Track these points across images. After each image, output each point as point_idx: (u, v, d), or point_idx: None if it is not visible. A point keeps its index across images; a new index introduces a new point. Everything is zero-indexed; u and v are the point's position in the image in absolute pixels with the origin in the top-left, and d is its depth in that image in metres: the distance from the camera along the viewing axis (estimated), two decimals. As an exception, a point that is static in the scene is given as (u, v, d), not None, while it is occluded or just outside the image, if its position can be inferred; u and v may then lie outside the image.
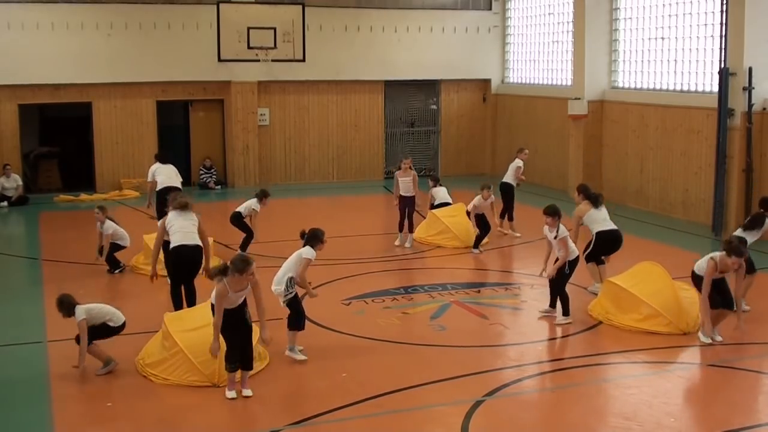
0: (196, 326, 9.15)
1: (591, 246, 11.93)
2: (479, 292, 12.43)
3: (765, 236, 11.23)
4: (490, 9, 24.11)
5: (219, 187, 22.20)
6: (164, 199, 14.37)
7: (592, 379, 9.22)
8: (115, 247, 13.46)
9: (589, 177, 20.04)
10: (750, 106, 15.31)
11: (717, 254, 9.87)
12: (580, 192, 12.50)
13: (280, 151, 22.93)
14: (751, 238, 10.84)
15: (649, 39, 18.79)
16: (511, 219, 16.17)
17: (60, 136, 23.38)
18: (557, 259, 10.77)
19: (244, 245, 14.29)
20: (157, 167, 14.90)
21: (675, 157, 17.75)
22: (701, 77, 17.33)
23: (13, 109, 20.84)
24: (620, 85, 19.83)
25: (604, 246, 11.95)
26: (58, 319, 9.23)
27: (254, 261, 8.46)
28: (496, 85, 24.42)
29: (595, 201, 12.19)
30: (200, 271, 10.54)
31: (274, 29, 20.98)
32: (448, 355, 9.80)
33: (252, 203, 14.25)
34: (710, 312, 9.89)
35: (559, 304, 10.88)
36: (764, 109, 15.44)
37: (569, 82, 21.04)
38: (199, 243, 10.57)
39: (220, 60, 20.92)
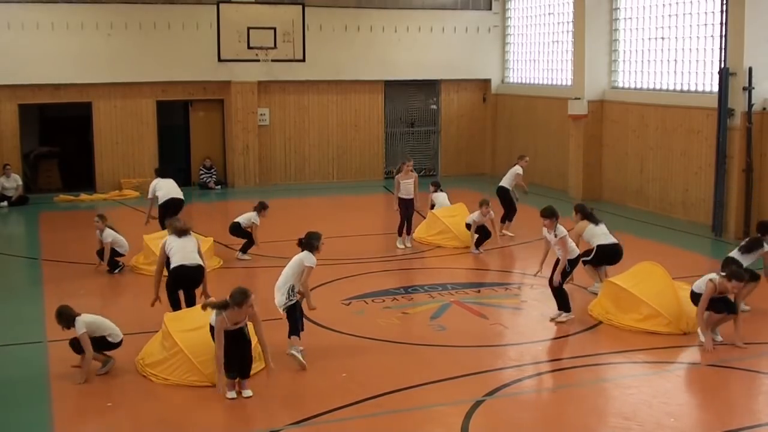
0: (196, 326, 9.15)
1: (591, 256, 11.98)
2: (479, 292, 12.43)
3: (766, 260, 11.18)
4: (490, 9, 24.11)
5: (219, 187, 22.20)
6: (167, 211, 14.55)
7: (592, 379, 9.22)
8: (115, 252, 13.47)
9: (589, 177, 20.08)
10: (750, 106, 15.31)
11: (716, 277, 9.86)
12: (577, 212, 12.63)
13: (280, 151, 22.93)
14: (746, 261, 10.82)
15: (649, 39, 18.78)
16: (510, 220, 16.15)
17: (60, 136, 23.37)
18: (557, 262, 10.77)
19: (244, 248, 14.30)
20: (157, 182, 15.02)
21: (675, 157, 17.75)
22: (701, 77, 17.33)
23: (13, 109, 20.84)
24: (620, 85, 19.83)
25: (604, 258, 12.03)
26: (57, 319, 9.23)
27: (253, 294, 8.43)
28: (496, 85, 24.42)
29: (593, 218, 12.27)
30: (200, 294, 10.51)
31: (274, 29, 20.98)
32: (448, 355, 9.80)
33: (251, 216, 14.24)
34: (713, 317, 9.87)
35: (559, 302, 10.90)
36: (764, 109, 15.43)
37: (569, 82, 21.03)
38: (201, 263, 10.53)
39: (220, 60, 20.92)
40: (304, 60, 21.31)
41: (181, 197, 15.08)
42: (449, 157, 24.47)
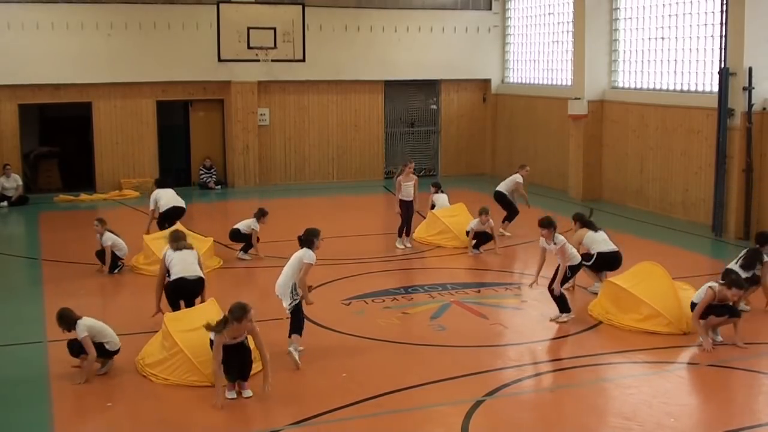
0: (196, 326, 9.12)
1: (591, 262, 12.00)
2: (479, 292, 12.43)
3: (764, 276, 11.13)
4: (490, 9, 24.11)
5: (219, 187, 22.20)
6: (168, 219, 14.62)
7: (592, 379, 9.22)
8: (114, 254, 13.46)
9: (589, 177, 20.07)
10: (750, 106, 15.30)
11: (716, 285, 9.86)
12: (576, 221, 12.69)
13: (280, 151, 22.93)
14: (744, 274, 10.80)
15: (649, 39, 18.78)
16: (510, 221, 16.13)
17: (60, 136, 23.37)
18: (557, 269, 10.78)
19: (245, 247, 14.31)
20: (157, 193, 15.08)
21: (675, 157, 17.74)
22: (701, 77, 17.33)
23: (13, 109, 20.84)
24: (620, 85, 19.82)
25: (604, 265, 12.06)
26: (57, 319, 9.23)
27: (252, 308, 8.42)
28: (496, 85, 24.42)
29: (592, 226, 12.32)
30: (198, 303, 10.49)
31: (274, 29, 20.98)
32: (448, 355, 9.79)
33: (251, 222, 14.24)
34: (714, 319, 9.87)
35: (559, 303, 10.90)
36: (764, 109, 15.43)
37: (569, 82, 21.03)
38: (201, 275, 10.50)
39: (220, 60, 20.91)
40: (304, 60, 21.31)
41: (183, 206, 15.13)
42: (449, 157, 24.47)
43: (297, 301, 9.44)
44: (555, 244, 10.70)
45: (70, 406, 8.50)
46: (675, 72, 18.03)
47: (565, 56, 21.56)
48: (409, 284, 12.85)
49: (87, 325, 8.98)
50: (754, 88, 15.23)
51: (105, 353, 9.12)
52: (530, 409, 8.47)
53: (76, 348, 8.99)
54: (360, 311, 11.40)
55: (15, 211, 19.49)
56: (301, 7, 21.21)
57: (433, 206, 16.21)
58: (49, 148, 23.03)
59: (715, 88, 16.08)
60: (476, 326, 10.84)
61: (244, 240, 14.25)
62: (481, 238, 14.71)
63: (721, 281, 9.95)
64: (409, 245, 15.09)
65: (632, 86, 19.41)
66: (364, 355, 9.81)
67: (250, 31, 20.77)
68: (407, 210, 14.94)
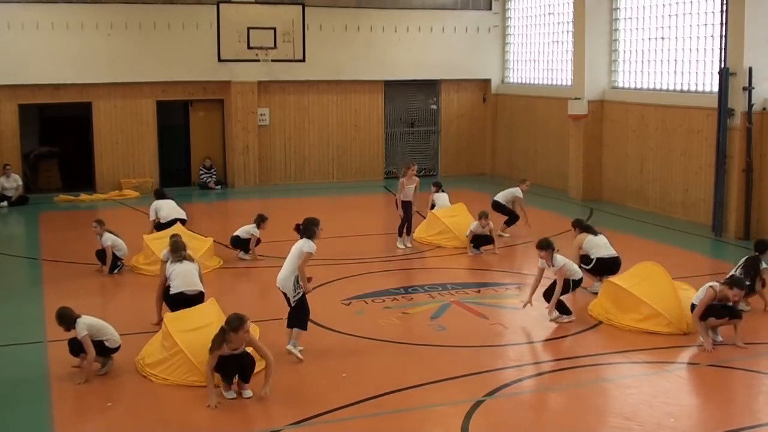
0: (196, 326, 9.16)
1: (590, 266, 12.04)
2: (479, 292, 12.43)
3: (758, 288, 11.12)
4: (490, 9, 24.11)
5: (219, 187, 22.19)
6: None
7: (592, 379, 9.21)
8: (114, 255, 13.46)
9: (589, 177, 20.07)
10: (750, 106, 15.30)
11: (717, 284, 9.87)
12: (575, 227, 12.74)
13: (280, 151, 22.92)
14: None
15: (649, 39, 18.78)
16: (509, 225, 16.11)
17: (60, 136, 23.38)
18: (553, 284, 10.82)
19: (246, 248, 14.31)
20: (157, 204, 15.02)
21: (675, 157, 17.74)
22: (701, 77, 17.32)
23: (13, 109, 20.84)
24: (620, 85, 19.82)
25: (603, 270, 12.08)
26: (58, 318, 9.22)
27: (249, 318, 8.43)
28: (496, 85, 24.42)
29: (591, 230, 12.39)
30: None
31: (274, 29, 20.98)
32: (448, 355, 9.80)
33: (250, 228, 14.25)
34: (714, 321, 9.87)
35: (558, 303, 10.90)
36: (764, 109, 15.43)
37: (569, 82, 21.03)
38: (201, 289, 10.48)
39: (220, 60, 20.92)
40: (304, 60, 21.31)
41: (185, 217, 15.10)
42: (449, 157, 24.47)
43: (300, 294, 9.44)
44: (554, 265, 10.73)
45: (70, 406, 8.50)
46: (675, 72, 18.03)
47: (565, 56, 21.56)
48: (409, 284, 12.85)
49: (87, 323, 8.98)
50: (754, 88, 15.23)
51: (105, 351, 9.12)
52: (530, 409, 8.47)
53: (76, 347, 8.99)
54: (360, 311, 11.40)
55: (15, 211, 19.49)
56: (301, 7, 21.21)
57: (432, 206, 16.21)
58: (49, 148, 23.04)
59: (715, 88, 16.08)
60: (476, 326, 10.84)
61: (246, 244, 14.27)
62: (481, 240, 14.71)
63: (722, 282, 9.95)
64: (409, 245, 15.09)
65: (632, 86, 19.41)
66: (364, 355, 9.81)
67: (250, 31, 20.77)
68: (407, 210, 14.96)
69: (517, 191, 15.97)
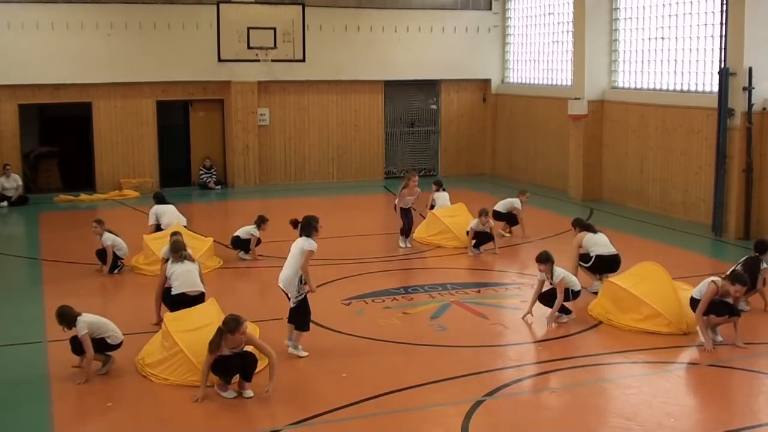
0: (196, 326, 9.16)
1: (590, 264, 12.05)
2: (479, 292, 12.43)
3: (759, 285, 11.12)
4: (490, 9, 24.11)
5: (219, 187, 22.19)
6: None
7: (592, 379, 9.21)
8: (114, 254, 13.46)
9: (589, 177, 20.07)
10: (750, 106, 15.30)
11: (719, 279, 9.87)
12: (575, 226, 12.74)
13: (280, 151, 22.93)
14: None
15: (649, 39, 18.78)
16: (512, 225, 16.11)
17: (60, 136, 23.38)
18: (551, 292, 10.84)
19: (246, 248, 14.31)
20: (157, 209, 14.95)
21: (675, 157, 17.74)
22: (701, 77, 17.32)
23: (13, 109, 20.84)
24: (620, 85, 19.82)
25: (603, 267, 12.10)
26: (58, 318, 9.22)
27: (246, 320, 8.45)
28: (496, 85, 24.42)
29: (591, 228, 12.41)
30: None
31: (274, 29, 20.98)
32: (448, 355, 9.79)
33: (250, 229, 14.24)
34: (714, 319, 9.87)
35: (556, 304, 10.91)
36: (764, 109, 15.43)
37: (569, 82, 21.03)
38: (202, 289, 10.48)
39: (220, 60, 20.92)
40: (304, 60, 21.31)
41: (185, 223, 15.07)
42: (449, 157, 24.47)
43: (303, 295, 9.44)
44: (554, 278, 10.73)
45: (70, 406, 8.50)
46: (675, 72, 18.03)
47: (565, 56, 21.56)
48: (409, 284, 12.85)
49: (87, 321, 8.98)
50: (754, 88, 15.23)
51: (107, 347, 9.11)
52: (530, 409, 8.47)
53: (78, 346, 8.98)
54: (360, 311, 11.40)
55: (15, 211, 19.49)
56: (301, 7, 21.21)
57: (432, 206, 16.21)
58: (49, 148, 23.04)
59: (715, 88, 16.08)
60: (476, 326, 10.84)
61: (246, 245, 14.27)
62: (482, 237, 14.71)
63: (723, 277, 9.95)
64: (409, 245, 15.10)
65: (632, 86, 19.41)
66: (364, 355, 9.80)
67: (250, 31, 20.78)
68: (407, 215, 15.00)
69: (516, 202, 15.91)
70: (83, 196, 20.65)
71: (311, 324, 9.84)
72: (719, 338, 9.99)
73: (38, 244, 16.22)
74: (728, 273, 10.36)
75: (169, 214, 14.91)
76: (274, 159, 22.85)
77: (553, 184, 21.53)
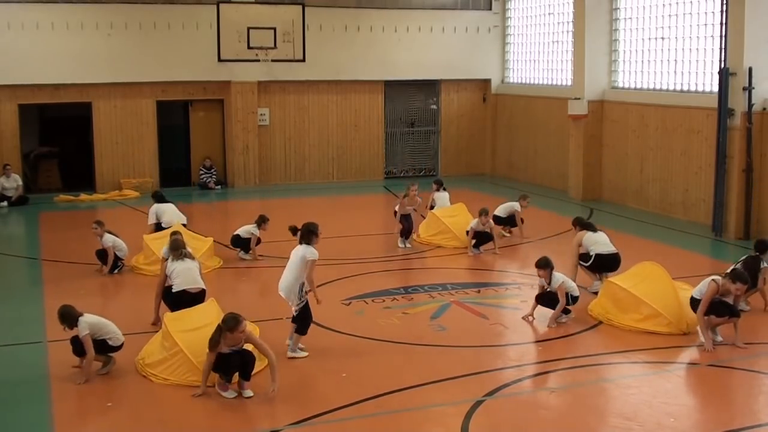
0: (196, 326, 9.16)
1: (589, 263, 12.06)
2: (479, 292, 12.43)
3: (760, 284, 11.13)
4: (490, 9, 24.11)
5: (219, 187, 22.19)
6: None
7: (592, 379, 9.21)
8: (115, 255, 13.46)
9: (589, 177, 20.07)
10: (750, 106, 15.30)
11: (719, 278, 9.87)
12: (575, 225, 12.76)
13: (280, 151, 22.93)
14: None
15: (649, 39, 18.78)
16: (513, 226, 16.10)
17: (60, 136, 23.39)
18: (548, 294, 10.85)
19: (246, 248, 14.31)
20: (158, 208, 14.97)
21: (675, 157, 17.74)
22: (701, 77, 17.33)
23: (13, 109, 20.84)
24: (620, 85, 19.82)
25: (602, 266, 12.11)
26: (58, 319, 9.21)
27: (245, 319, 8.46)
28: (496, 85, 24.42)
29: (591, 227, 12.42)
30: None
31: (274, 29, 20.98)
32: (448, 355, 9.79)
33: (251, 228, 14.25)
34: (715, 320, 9.88)
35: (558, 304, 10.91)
36: (764, 109, 15.43)
37: (569, 82, 21.03)
38: (203, 287, 10.48)
39: (220, 60, 20.92)
40: (304, 60, 21.31)
41: (185, 222, 15.09)
42: (449, 157, 24.47)
43: (304, 303, 9.45)
44: (552, 284, 10.74)
45: (70, 406, 8.50)
46: (675, 72, 18.03)
47: (565, 56, 21.56)
48: (409, 284, 12.85)
49: (89, 322, 8.97)
50: (754, 88, 15.23)
51: (108, 349, 9.11)
52: (530, 409, 8.46)
53: (79, 346, 8.97)
54: (360, 311, 11.40)
55: (15, 211, 19.49)
56: (301, 7, 21.21)
57: (432, 206, 16.22)
58: (49, 148, 23.05)
59: (715, 88, 16.08)
60: (476, 326, 10.84)
61: (246, 244, 14.27)
62: (482, 237, 14.71)
63: (723, 275, 9.95)
64: (409, 245, 15.10)
65: (632, 86, 19.41)
66: (364, 355, 9.80)
67: (250, 31, 20.78)
68: (407, 219, 15.03)
69: (516, 206, 15.88)
70: (83, 196, 20.66)
71: (313, 324, 9.83)
72: (719, 338, 9.99)
73: (38, 244, 16.22)
74: (728, 272, 10.35)
75: (170, 213, 14.94)
76: (274, 159, 22.85)
77: (553, 184, 21.53)
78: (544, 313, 10.97)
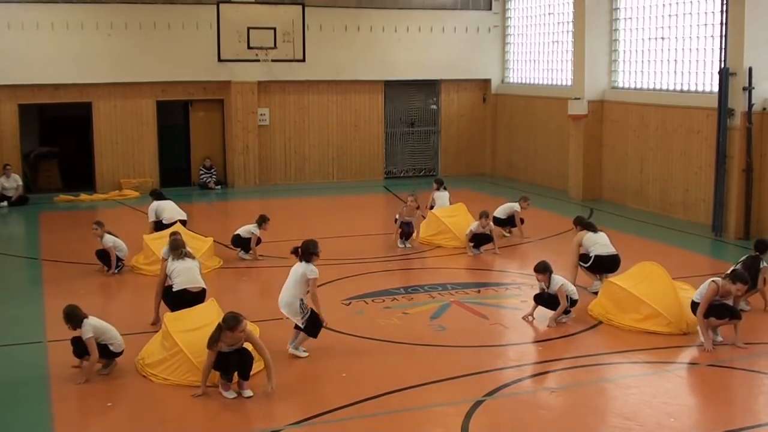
0: (196, 326, 9.16)
1: (589, 264, 12.07)
2: (479, 292, 12.43)
3: (760, 284, 11.13)
4: (490, 9, 24.11)
5: (219, 187, 22.19)
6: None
7: (592, 379, 9.21)
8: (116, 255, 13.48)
9: (589, 177, 20.07)
10: (750, 106, 15.30)
11: (719, 279, 9.86)
12: (576, 224, 12.78)
13: (280, 151, 22.93)
14: None
15: (649, 39, 18.78)
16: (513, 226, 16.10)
17: (60, 136, 23.39)
18: (547, 295, 10.85)
19: (246, 248, 14.31)
20: (158, 205, 14.96)
21: (675, 157, 17.74)
22: (701, 77, 17.32)
23: (13, 109, 20.84)
24: (620, 85, 19.82)
25: (602, 267, 12.11)
26: (58, 319, 9.21)
27: (245, 318, 8.47)
28: (496, 85, 24.42)
29: (591, 227, 12.41)
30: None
31: (274, 29, 20.98)
32: (448, 355, 9.79)
33: (251, 228, 14.25)
34: (715, 321, 9.88)
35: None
36: (764, 109, 15.43)
37: (569, 82, 21.03)
38: (204, 285, 10.49)
39: (220, 60, 20.92)
40: (304, 60, 21.31)
41: (185, 218, 15.10)
42: (449, 157, 24.47)
43: (308, 313, 9.46)
44: (552, 287, 10.74)
45: (70, 406, 8.49)
46: (675, 72, 18.03)
47: (565, 56, 21.56)
48: (409, 284, 12.84)
49: (93, 325, 8.97)
50: (754, 88, 15.23)
51: (109, 355, 9.11)
52: (530, 409, 8.46)
53: (81, 348, 8.96)
54: (360, 311, 11.41)
55: (15, 211, 19.49)
56: (301, 7, 21.21)
57: (431, 206, 16.22)
58: (49, 148, 23.05)
59: (715, 88, 16.08)
60: (476, 326, 10.84)
61: (246, 243, 14.27)
62: (482, 238, 14.71)
63: (724, 276, 9.95)
64: (409, 245, 15.10)
65: (632, 86, 19.41)
66: (364, 355, 9.80)
67: (250, 31, 20.77)
68: (408, 226, 15.03)
69: (516, 206, 15.87)
70: (83, 196, 20.66)
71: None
72: (719, 338, 9.99)
73: (38, 244, 16.22)
74: (728, 272, 10.35)
75: (170, 210, 14.95)
76: (274, 159, 22.85)
77: (553, 184, 21.53)
78: (544, 312, 10.97)
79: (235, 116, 22.12)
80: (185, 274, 10.37)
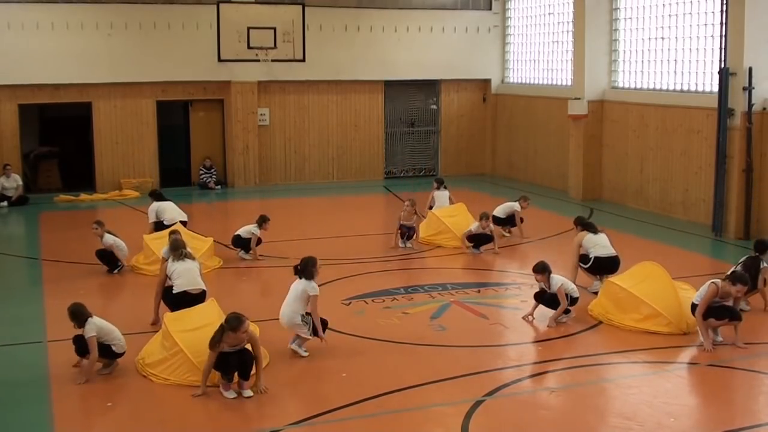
0: (196, 326, 9.16)
1: (588, 265, 12.07)
2: (479, 292, 12.43)
3: (760, 285, 11.13)
4: (490, 9, 24.11)
5: (219, 187, 22.19)
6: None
7: (592, 379, 9.21)
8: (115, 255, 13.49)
9: (589, 177, 20.07)
10: (750, 106, 15.30)
11: (719, 281, 9.86)
12: (576, 224, 12.79)
13: (280, 151, 22.93)
14: None
15: (649, 39, 18.78)
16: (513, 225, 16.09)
17: (60, 136, 23.39)
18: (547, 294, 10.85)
19: (246, 248, 14.30)
20: (158, 206, 14.95)
21: (675, 157, 17.74)
22: (701, 77, 17.32)
23: (13, 109, 20.84)
24: (620, 85, 19.82)
25: (601, 269, 12.11)
26: (58, 319, 9.23)
27: (247, 319, 8.49)
28: (496, 85, 24.42)
29: (592, 228, 12.40)
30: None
31: (274, 29, 20.98)
32: (448, 355, 9.79)
33: (252, 228, 14.25)
34: (714, 322, 9.87)
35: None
36: (764, 109, 15.43)
37: (569, 82, 21.03)
38: (204, 287, 10.49)
39: (220, 60, 20.92)
40: (304, 60, 21.31)
41: (185, 219, 15.09)
42: (449, 157, 24.47)
43: (312, 324, 9.48)
44: (552, 287, 10.74)
45: (70, 406, 8.49)
46: (675, 72, 18.03)
47: (565, 56, 21.56)
48: (409, 284, 12.84)
49: (97, 324, 8.98)
50: (754, 88, 15.23)
51: (111, 355, 9.11)
52: (530, 409, 8.46)
53: (83, 347, 8.96)
54: (360, 311, 11.40)
55: (15, 211, 19.49)
56: (301, 7, 21.21)
57: (431, 206, 16.21)
58: (49, 148, 23.04)
59: (715, 88, 16.08)
60: (476, 326, 10.84)
61: (246, 244, 14.27)
62: (482, 238, 14.70)
63: (723, 278, 9.95)
64: (410, 245, 15.10)
65: (632, 86, 19.41)
66: (364, 355, 9.81)
67: (250, 31, 20.78)
68: (408, 228, 15.02)
69: (515, 206, 15.86)
70: (83, 196, 20.66)
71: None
72: (719, 338, 9.99)
73: (38, 244, 16.22)
74: (728, 274, 10.35)
75: (170, 210, 14.95)
76: (274, 159, 22.85)
77: (553, 184, 21.53)
78: (544, 312, 10.97)
79: (235, 116, 22.12)
80: (185, 276, 10.37)
